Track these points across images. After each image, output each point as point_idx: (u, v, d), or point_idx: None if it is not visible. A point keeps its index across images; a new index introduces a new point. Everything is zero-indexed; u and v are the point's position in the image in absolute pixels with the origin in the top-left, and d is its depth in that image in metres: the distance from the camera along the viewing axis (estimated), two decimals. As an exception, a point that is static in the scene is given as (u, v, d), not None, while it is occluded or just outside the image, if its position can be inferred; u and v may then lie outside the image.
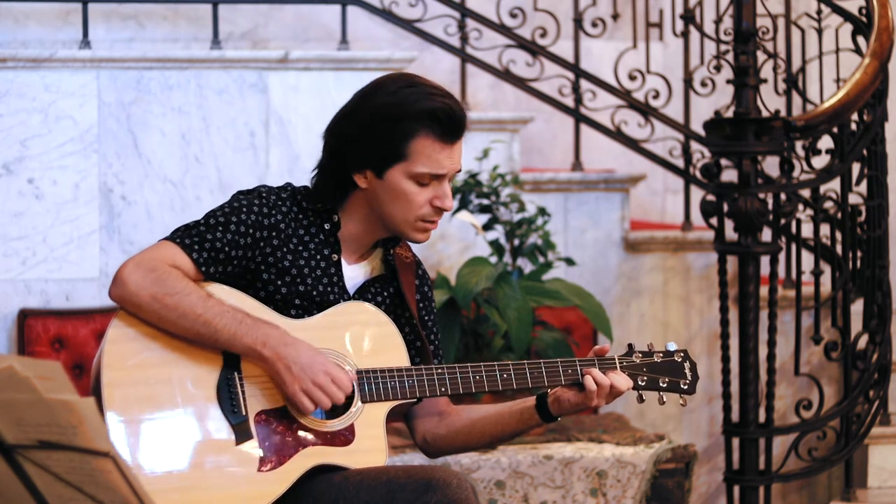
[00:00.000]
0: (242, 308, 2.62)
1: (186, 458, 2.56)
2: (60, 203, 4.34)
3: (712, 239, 4.49)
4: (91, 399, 1.80)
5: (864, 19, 4.45)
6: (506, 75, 4.84)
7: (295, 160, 4.49)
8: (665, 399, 2.81)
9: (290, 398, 2.60)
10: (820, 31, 4.55)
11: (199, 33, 5.11)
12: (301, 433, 2.62)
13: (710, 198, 4.36)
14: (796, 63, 4.73)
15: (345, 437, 2.64)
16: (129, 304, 2.60)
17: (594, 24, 4.88)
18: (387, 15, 4.76)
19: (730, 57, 4.34)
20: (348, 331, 2.70)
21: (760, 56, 4.34)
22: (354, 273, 2.78)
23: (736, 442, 4.32)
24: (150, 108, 4.41)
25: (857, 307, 4.48)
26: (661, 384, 2.79)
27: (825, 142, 4.40)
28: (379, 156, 2.67)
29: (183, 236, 2.65)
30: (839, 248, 4.44)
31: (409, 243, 2.86)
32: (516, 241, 4.39)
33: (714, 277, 4.69)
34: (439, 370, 2.70)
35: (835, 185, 4.43)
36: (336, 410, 2.65)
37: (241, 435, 2.59)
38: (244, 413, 2.60)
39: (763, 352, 4.28)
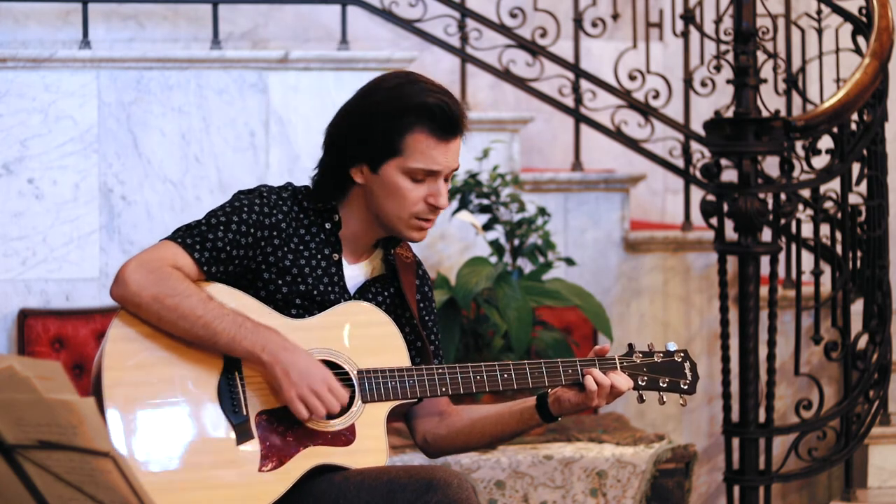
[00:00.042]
0: (243, 309, 2.62)
1: (187, 457, 2.56)
2: (60, 203, 4.34)
3: (712, 239, 4.49)
4: (91, 399, 1.80)
5: (864, 19, 4.45)
6: (506, 75, 4.84)
7: (295, 160, 4.49)
8: (665, 399, 2.81)
9: (287, 404, 2.60)
10: (820, 31, 4.55)
11: (199, 33, 5.11)
12: (302, 433, 2.62)
13: (710, 198, 4.36)
14: (796, 63, 4.73)
15: (345, 437, 2.64)
16: (129, 304, 2.60)
17: (594, 24, 4.88)
18: (387, 15, 4.76)
19: (730, 57, 4.34)
20: (349, 331, 2.70)
21: (760, 56, 4.34)
22: (355, 273, 2.78)
23: (736, 442, 4.31)
24: (150, 108, 4.41)
25: (857, 307, 4.48)
26: (661, 384, 2.79)
27: (825, 142, 4.40)
28: (374, 150, 2.68)
29: (184, 236, 2.65)
30: (839, 248, 4.44)
31: (409, 243, 2.86)
32: (516, 241, 4.39)
33: (714, 277, 4.68)
34: (440, 370, 2.70)
35: (835, 185, 4.43)
36: (336, 410, 2.66)
37: (242, 435, 2.59)
38: (245, 413, 2.60)
39: (763, 352, 4.27)
